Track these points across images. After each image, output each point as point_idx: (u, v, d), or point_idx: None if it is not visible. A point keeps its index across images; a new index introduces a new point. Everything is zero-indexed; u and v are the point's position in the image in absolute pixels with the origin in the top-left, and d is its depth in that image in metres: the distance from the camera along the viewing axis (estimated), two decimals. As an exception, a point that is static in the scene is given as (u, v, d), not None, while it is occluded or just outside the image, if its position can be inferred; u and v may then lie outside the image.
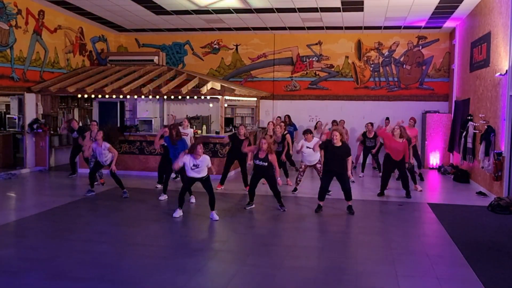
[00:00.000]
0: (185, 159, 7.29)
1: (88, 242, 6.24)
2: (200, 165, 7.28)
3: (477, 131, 10.51)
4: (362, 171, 12.19)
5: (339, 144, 7.91)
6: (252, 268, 5.35)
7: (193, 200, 8.63)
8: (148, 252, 5.83)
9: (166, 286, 4.77)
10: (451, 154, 13.38)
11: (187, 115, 14.25)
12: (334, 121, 13.20)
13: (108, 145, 8.90)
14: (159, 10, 12.50)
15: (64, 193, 9.31)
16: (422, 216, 8.10)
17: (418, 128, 14.29)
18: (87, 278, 4.93)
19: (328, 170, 8.07)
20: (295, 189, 9.76)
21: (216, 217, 7.46)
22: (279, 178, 8.21)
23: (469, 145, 10.89)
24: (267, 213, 8.05)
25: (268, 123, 11.06)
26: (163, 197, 8.87)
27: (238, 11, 12.40)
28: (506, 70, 8.76)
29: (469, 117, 11.16)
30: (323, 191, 8.14)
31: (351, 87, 15.16)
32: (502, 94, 9.01)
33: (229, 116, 15.07)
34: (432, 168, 13.57)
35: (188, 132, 10.26)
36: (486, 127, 9.64)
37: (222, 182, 10.05)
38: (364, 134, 12.16)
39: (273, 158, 8.02)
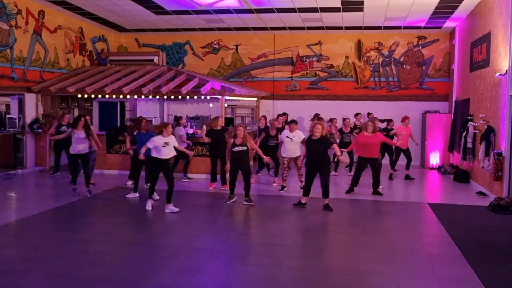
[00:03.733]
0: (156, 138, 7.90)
1: (89, 242, 6.25)
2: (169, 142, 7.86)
3: (477, 131, 10.51)
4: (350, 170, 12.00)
5: (318, 136, 8.08)
6: (252, 268, 5.35)
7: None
8: (148, 252, 5.83)
9: (166, 286, 4.77)
10: (451, 154, 13.38)
11: (187, 115, 14.29)
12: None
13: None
14: (159, 10, 12.50)
15: (64, 193, 9.30)
16: (422, 216, 8.11)
17: (419, 128, 14.31)
18: (87, 278, 4.94)
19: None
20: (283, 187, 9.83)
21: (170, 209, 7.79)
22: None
23: (469, 145, 10.89)
24: (267, 213, 8.05)
25: (260, 118, 11.18)
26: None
27: (238, 11, 12.40)
28: (506, 70, 8.76)
29: (469, 117, 11.16)
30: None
31: (351, 87, 15.16)
32: (502, 94, 9.01)
33: (229, 116, 15.08)
34: (432, 168, 13.57)
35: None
36: (486, 127, 9.64)
37: (213, 180, 10.10)
38: (340, 130, 12.05)
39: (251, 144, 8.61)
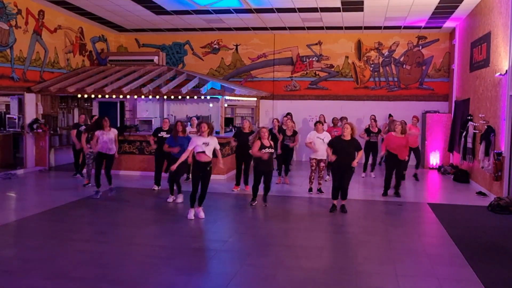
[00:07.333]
0: (195, 139, 7.21)
1: (88, 242, 6.25)
2: (209, 143, 7.19)
3: (477, 131, 10.51)
4: (372, 171, 11.97)
5: (349, 138, 7.84)
6: (252, 268, 5.35)
7: (180, 199, 8.56)
8: (148, 252, 5.83)
9: (166, 286, 4.77)
10: (451, 154, 13.38)
11: (186, 115, 14.28)
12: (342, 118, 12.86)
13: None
14: (159, 10, 12.50)
15: (64, 193, 9.30)
16: (422, 216, 8.10)
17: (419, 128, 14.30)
18: (87, 278, 4.93)
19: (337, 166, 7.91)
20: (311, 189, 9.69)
21: (202, 215, 7.42)
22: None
23: (469, 145, 10.89)
24: (267, 213, 8.05)
25: (273, 120, 11.06)
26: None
27: (238, 11, 12.40)
28: (506, 70, 8.76)
29: (469, 117, 11.16)
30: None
31: (351, 87, 15.16)
32: (502, 94, 9.01)
33: (229, 116, 15.08)
34: (432, 168, 13.57)
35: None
36: (486, 127, 9.64)
37: (237, 183, 9.79)
38: (367, 130, 11.78)
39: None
